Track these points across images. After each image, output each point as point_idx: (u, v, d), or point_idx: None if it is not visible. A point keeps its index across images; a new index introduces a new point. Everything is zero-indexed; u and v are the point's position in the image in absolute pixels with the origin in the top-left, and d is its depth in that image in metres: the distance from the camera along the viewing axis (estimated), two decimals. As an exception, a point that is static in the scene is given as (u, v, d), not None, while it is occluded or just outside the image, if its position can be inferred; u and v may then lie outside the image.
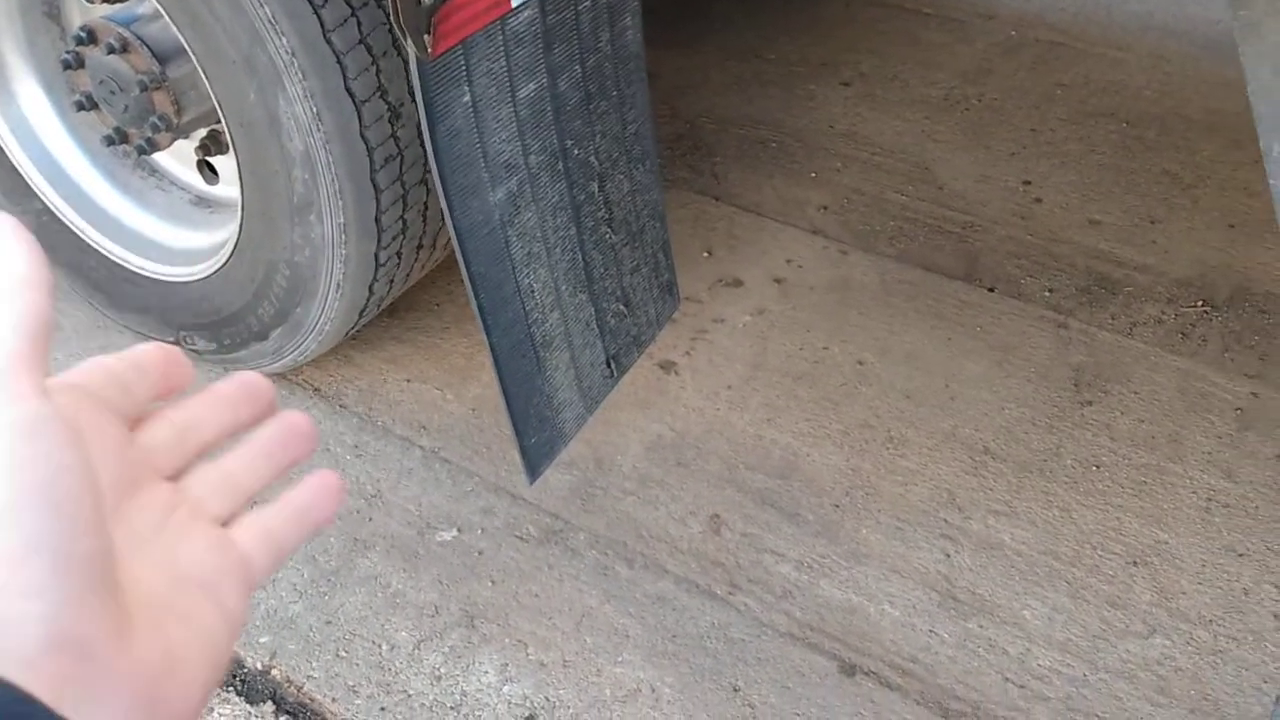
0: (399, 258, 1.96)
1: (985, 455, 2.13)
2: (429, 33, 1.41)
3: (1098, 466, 2.10)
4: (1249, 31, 1.07)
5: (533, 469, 1.82)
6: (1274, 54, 1.06)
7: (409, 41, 1.39)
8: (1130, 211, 2.70)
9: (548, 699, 1.75)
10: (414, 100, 1.45)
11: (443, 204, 1.52)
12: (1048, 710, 1.72)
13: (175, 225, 2.27)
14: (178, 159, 2.27)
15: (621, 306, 2.03)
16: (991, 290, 2.49)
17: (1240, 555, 1.95)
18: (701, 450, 2.14)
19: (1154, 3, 3.49)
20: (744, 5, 3.47)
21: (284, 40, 1.67)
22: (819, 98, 3.10)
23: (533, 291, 1.76)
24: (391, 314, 2.36)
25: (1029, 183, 2.78)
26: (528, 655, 1.81)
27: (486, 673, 1.78)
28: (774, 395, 2.25)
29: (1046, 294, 2.47)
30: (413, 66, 1.42)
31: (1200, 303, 2.44)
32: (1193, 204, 2.71)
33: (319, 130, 1.72)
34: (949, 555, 1.95)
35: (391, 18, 1.38)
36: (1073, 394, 2.25)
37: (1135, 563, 1.94)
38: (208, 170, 2.22)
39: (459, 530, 1.98)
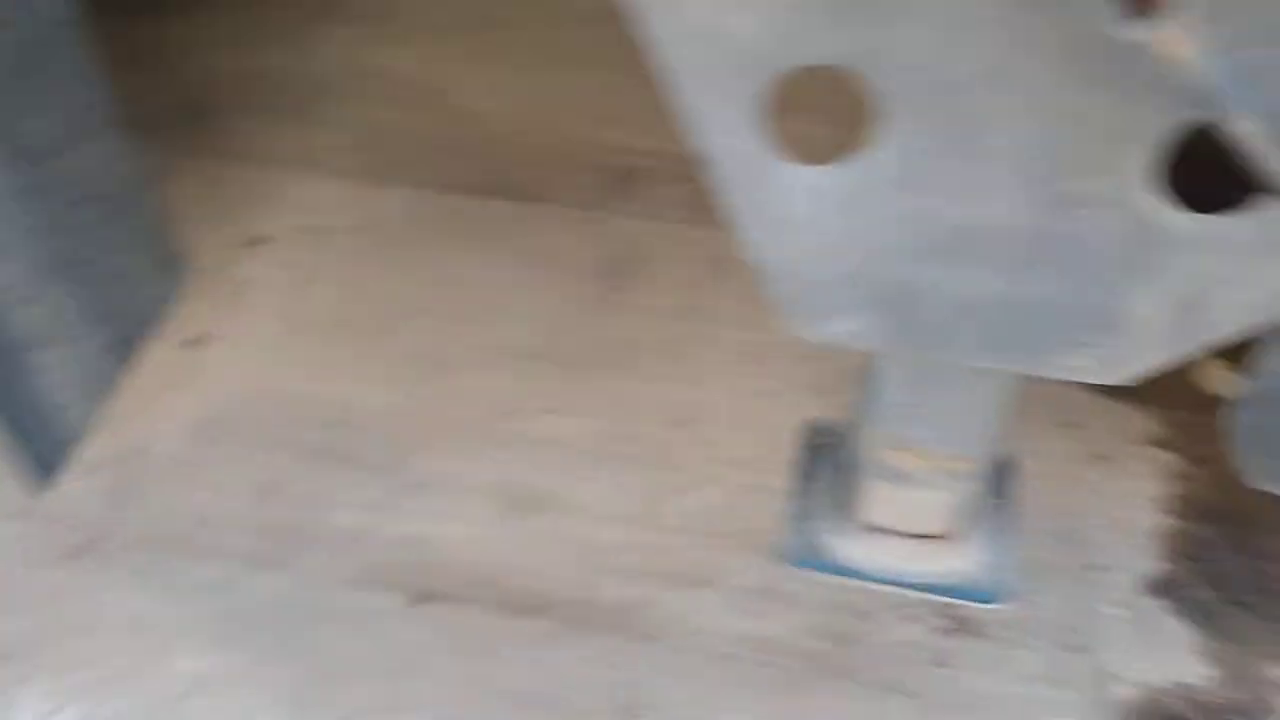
0: None
1: (534, 359, 2.16)
2: None
3: (636, 345, 2.19)
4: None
5: (44, 477, 1.66)
6: None
7: None
8: (641, 104, 2.79)
9: (113, 713, 1.62)
10: None
11: None
12: (613, 580, 1.79)
13: None
14: None
15: (116, 287, 1.88)
16: (519, 200, 2.52)
17: (771, 396, 2.09)
18: (247, 419, 2.03)
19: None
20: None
21: None
22: (322, 39, 2.99)
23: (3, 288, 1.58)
24: None
25: (542, 91, 2.83)
26: (77, 678, 1.65)
27: (29, 711, 1.61)
28: (317, 348, 2.17)
29: (572, 193, 2.53)
30: None
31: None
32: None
33: None
34: (507, 462, 1.97)
35: None
36: (607, 283, 2.32)
37: (680, 425, 2.04)
38: None
39: (-25, 567, 1.78)
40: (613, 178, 2.59)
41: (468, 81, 2.85)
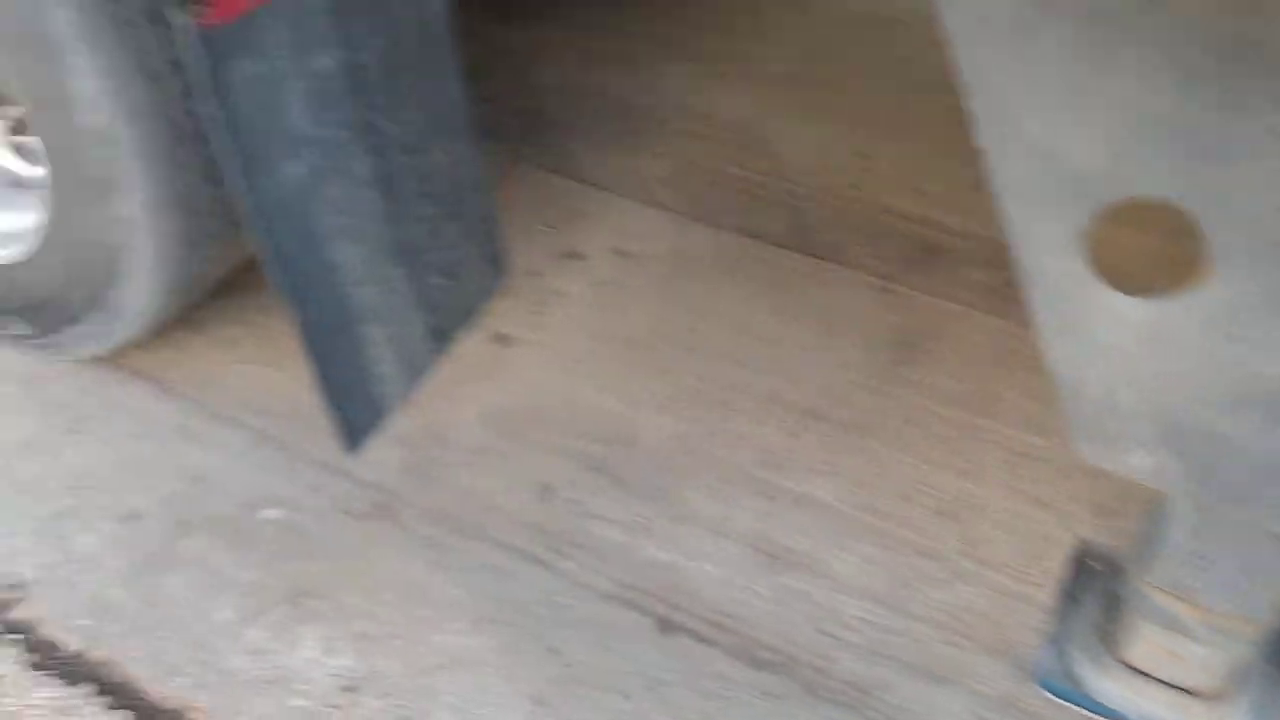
0: (213, 238, 1.95)
1: (807, 416, 2.19)
2: (206, 2, 1.40)
3: (914, 424, 2.18)
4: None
5: (351, 441, 1.82)
6: (967, 20, 1.11)
7: (179, 11, 1.38)
8: (955, 181, 2.79)
9: (371, 670, 1.77)
10: (191, 69, 1.44)
11: (231, 176, 1.52)
12: (853, 655, 1.79)
13: (-8, 208, 2.22)
14: (-10, 141, 2.21)
15: (444, 279, 2.04)
16: (822, 259, 2.56)
17: (1043, 505, 2.04)
18: (536, 421, 2.17)
19: (990, -22, 3.60)
20: (593, -17, 3.50)
21: (64, 12, 1.64)
22: (664, 74, 3.15)
23: (342, 266, 1.76)
24: (223, 295, 2.33)
25: (863, 154, 2.86)
26: (351, 629, 1.82)
27: (309, 647, 1.79)
28: (610, 365, 2.29)
29: (873, 260, 2.55)
30: (187, 38, 1.41)
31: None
32: (1017, 171, 2.81)
33: (112, 106, 1.70)
34: (767, 514, 2.01)
35: (166, -12, 1.38)
36: (894, 355, 2.33)
37: (945, 515, 2.02)
38: (22, 153, 2.17)
39: (286, 509, 1.98)
40: (915, 250, 2.58)
41: (791, 134, 2.92)
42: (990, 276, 2.51)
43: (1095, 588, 1.77)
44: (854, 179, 2.78)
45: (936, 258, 2.56)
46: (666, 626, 1.83)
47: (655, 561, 1.93)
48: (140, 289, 1.92)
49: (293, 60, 1.58)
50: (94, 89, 1.68)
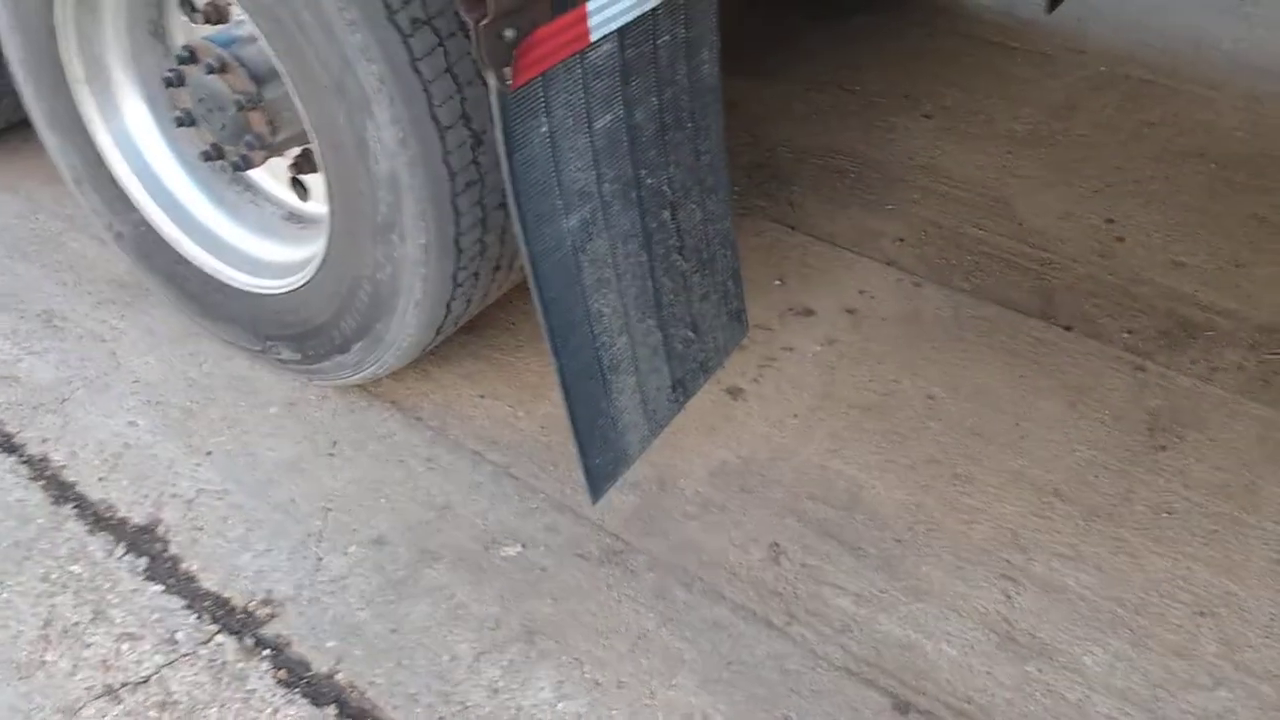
0: (476, 278, 2.02)
1: (1053, 497, 2.10)
2: (510, 65, 1.46)
3: (1169, 513, 2.06)
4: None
5: (596, 489, 1.85)
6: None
7: (491, 74, 1.44)
8: (1215, 254, 2.65)
9: (601, 718, 1.78)
10: (493, 127, 1.50)
11: (517, 230, 1.57)
12: (1104, 759, 1.70)
13: (266, 239, 2.36)
14: (271, 175, 2.36)
15: (689, 332, 2.06)
16: (1068, 329, 2.46)
17: (1314, 611, 1.90)
18: (765, 478, 2.16)
19: (1250, 41, 3.43)
20: (829, 37, 3.49)
21: (374, 67, 1.73)
22: (899, 129, 3.10)
23: (602, 316, 1.80)
24: (469, 331, 2.42)
25: (1112, 221, 2.75)
26: (583, 674, 1.84)
27: (543, 689, 1.81)
28: (841, 426, 2.25)
29: (1125, 335, 2.44)
30: (493, 98, 1.47)
31: (1285, 350, 2.39)
32: (1281, 248, 2.66)
33: (404, 154, 1.78)
34: (1010, 596, 1.94)
35: (474, 50, 1.43)
36: (1147, 438, 2.21)
37: (1203, 613, 1.90)
38: (299, 187, 2.31)
39: (523, 546, 2.03)
40: (1172, 327, 2.46)
41: (1034, 196, 2.84)
42: (1254, 361, 2.36)
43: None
44: (1103, 247, 2.67)
45: (1194, 337, 2.43)
46: (903, 707, 1.77)
47: (891, 637, 1.88)
48: (407, 324, 2.00)
49: (577, 119, 1.63)
50: (391, 138, 1.77)
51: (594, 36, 1.58)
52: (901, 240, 2.72)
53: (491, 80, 1.46)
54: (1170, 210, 2.78)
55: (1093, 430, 2.23)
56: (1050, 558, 1.99)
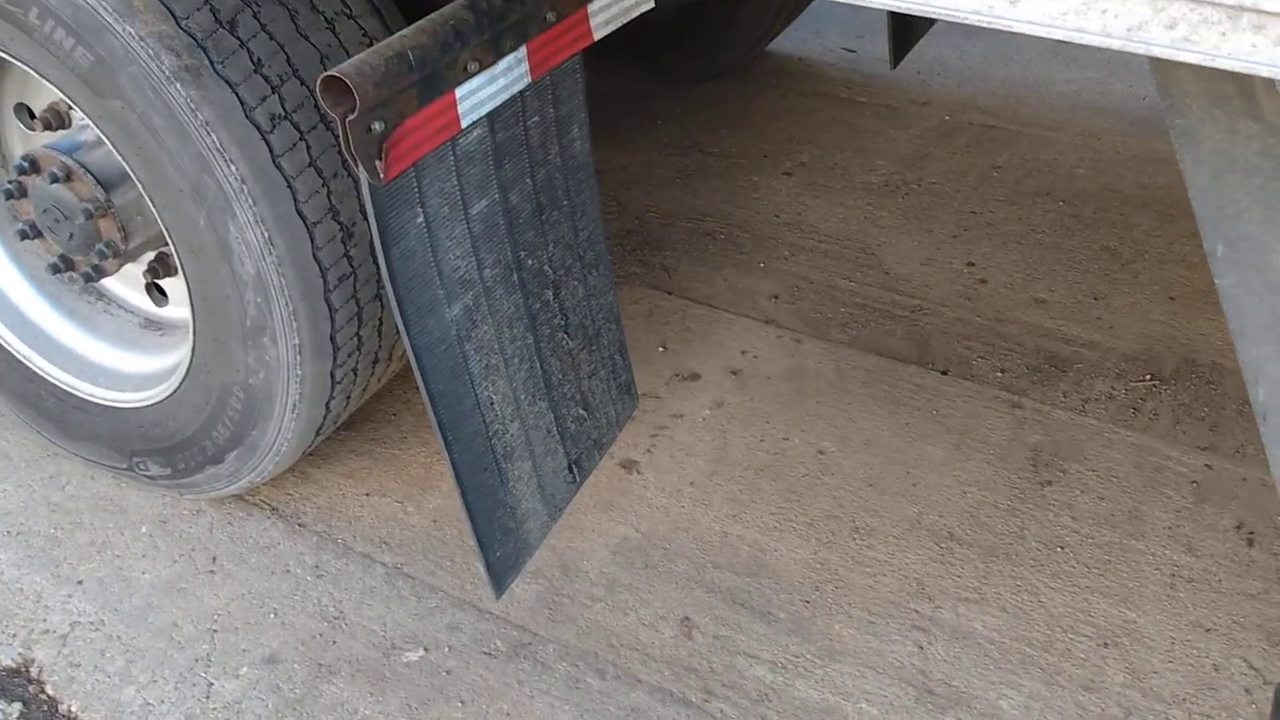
0: (355, 374, 1.95)
1: (951, 541, 2.13)
2: (380, 158, 1.42)
3: (1062, 547, 2.11)
4: (1186, 138, 1.10)
5: (499, 583, 1.79)
6: (1211, 160, 1.09)
7: (361, 169, 1.39)
8: (1073, 289, 2.75)
9: (525, 822, 1.71)
10: (366, 222, 1.45)
11: (399, 323, 1.52)
12: (1033, 804, 1.71)
13: (125, 350, 2.23)
14: (125, 283, 2.24)
15: (581, 411, 2.02)
16: (945, 373, 2.51)
17: (1208, 630, 1.95)
18: (668, 550, 2.13)
19: (1081, 82, 3.61)
20: (684, 101, 3.54)
21: (233, 167, 1.66)
22: (763, 188, 3.16)
23: (492, 404, 1.75)
24: (349, 426, 2.33)
25: (973, 264, 2.84)
26: (502, 777, 1.76)
27: (461, 799, 1.73)
28: (737, 490, 2.24)
29: (998, 374, 2.50)
30: (365, 192, 1.42)
31: (1148, 376, 2.48)
32: (1133, 278, 2.78)
33: (271, 254, 1.71)
34: (922, 647, 1.94)
35: (342, 146, 1.38)
36: (1032, 474, 2.26)
37: (1106, 644, 1.94)
38: (157, 293, 2.20)
39: (425, 649, 1.94)
40: (1041, 362, 2.54)
41: (897, 245, 2.91)
42: (1122, 389, 2.45)
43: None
44: (968, 289, 2.75)
45: (1064, 371, 2.51)
46: (832, 773, 1.75)
47: (810, 702, 1.86)
48: (284, 428, 1.91)
49: (453, 207, 1.59)
50: (255, 238, 1.69)
51: (464, 123, 1.55)
52: (777, 298, 2.75)
53: (362, 175, 1.41)
54: (1026, 249, 2.89)
55: (980, 471, 2.27)
56: (956, 603, 2.01)
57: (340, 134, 1.37)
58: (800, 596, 2.03)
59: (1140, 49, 0.97)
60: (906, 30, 3.07)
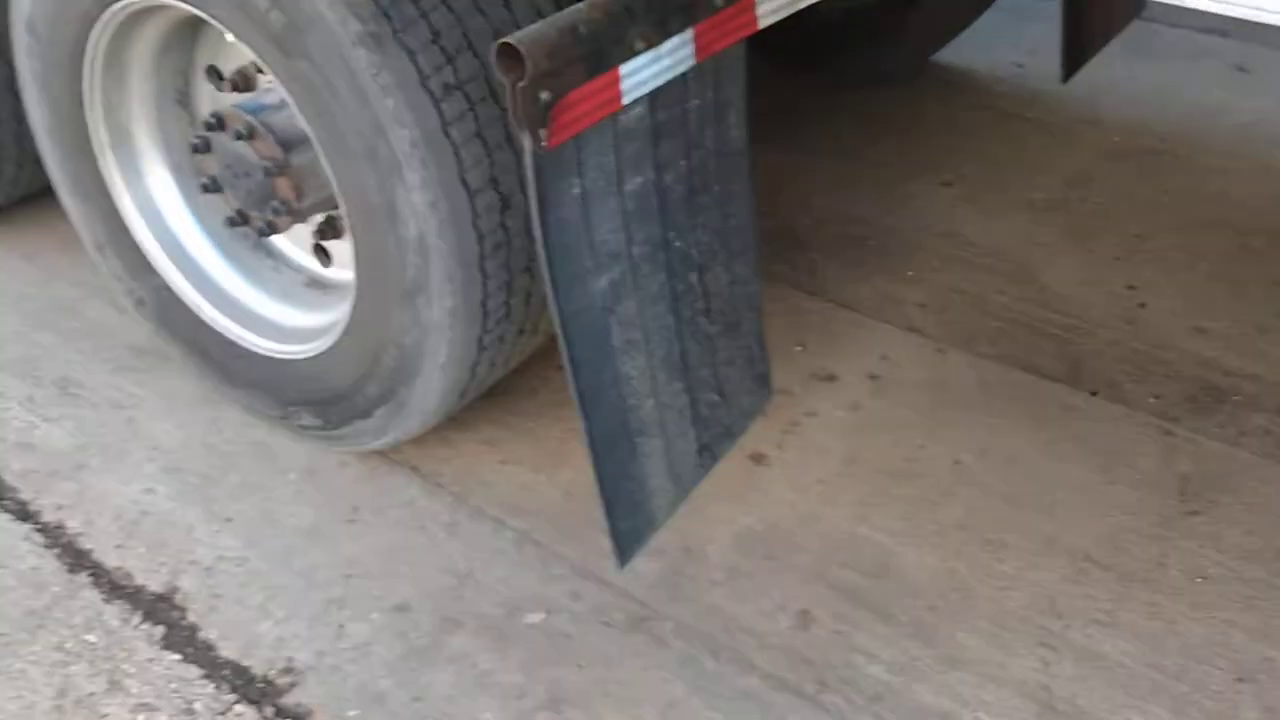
0: (501, 341, 2.01)
1: (1087, 563, 2.07)
2: (545, 126, 1.47)
3: (1204, 578, 2.03)
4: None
5: (623, 554, 1.82)
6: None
7: (526, 135, 1.45)
8: (1238, 320, 2.64)
9: (631, 791, 1.73)
10: (525, 191, 1.51)
11: (548, 290, 1.56)
12: (1152, 834, 1.65)
13: (289, 305, 2.36)
14: (294, 242, 2.37)
15: (716, 396, 2.04)
16: (1095, 394, 2.44)
17: (1359, 679, 1.85)
18: (792, 544, 2.12)
19: (1260, 112, 3.45)
20: (846, 106, 3.52)
21: (405, 132, 1.74)
22: (919, 198, 3.12)
23: (630, 378, 1.78)
24: (489, 397, 2.40)
25: (1134, 288, 2.75)
26: (612, 745, 1.79)
27: (570, 761, 1.77)
28: (867, 492, 2.23)
29: (1152, 400, 2.42)
30: (527, 159, 1.47)
31: (1313, 414, 2.37)
32: (1304, 313, 2.65)
33: (434, 218, 1.79)
34: (1048, 664, 1.89)
35: (511, 112, 1.44)
36: (1179, 503, 2.18)
37: (1242, 679, 1.86)
38: (322, 254, 2.31)
39: (547, 613, 1.99)
40: (1197, 392, 2.44)
41: (1056, 263, 2.84)
42: (1279, 425, 2.34)
43: None
44: (1126, 313, 2.66)
45: (1221, 402, 2.41)
46: (942, 779, 1.73)
47: (927, 706, 1.83)
48: (431, 388, 1.99)
49: (609, 180, 1.63)
50: (421, 202, 1.77)
51: (626, 100, 1.59)
52: (923, 306, 2.71)
53: (527, 141, 1.46)
54: (1191, 277, 2.78)
55: (1124, 495, 2.20)
56: (1087, 624, 1.95)
57: (510, 100, 1.43)
58: (925, 602, 2.00)
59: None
60: (1080, 45, 3.00)
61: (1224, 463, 2.27)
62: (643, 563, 2.06)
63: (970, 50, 3.76)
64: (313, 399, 2.21)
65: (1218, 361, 2.52)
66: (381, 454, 2.30)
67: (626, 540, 1.84)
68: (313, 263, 2.35)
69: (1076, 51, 3.00)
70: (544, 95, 1.45)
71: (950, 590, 2.02)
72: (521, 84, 1.41)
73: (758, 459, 2.31)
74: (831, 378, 2.52)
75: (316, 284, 2.35)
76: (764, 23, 1.80)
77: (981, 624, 1.96)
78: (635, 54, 1.58)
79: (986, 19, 3.60)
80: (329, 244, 2.28)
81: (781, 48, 3.53)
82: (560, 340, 1.63)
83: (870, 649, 1.92)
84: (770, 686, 1.87)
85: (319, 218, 2.23)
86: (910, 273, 2.83)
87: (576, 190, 1.59)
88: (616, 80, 1.57)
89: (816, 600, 2.01)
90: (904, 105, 3.53)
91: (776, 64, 3.57)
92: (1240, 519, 2.14)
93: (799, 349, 2.60)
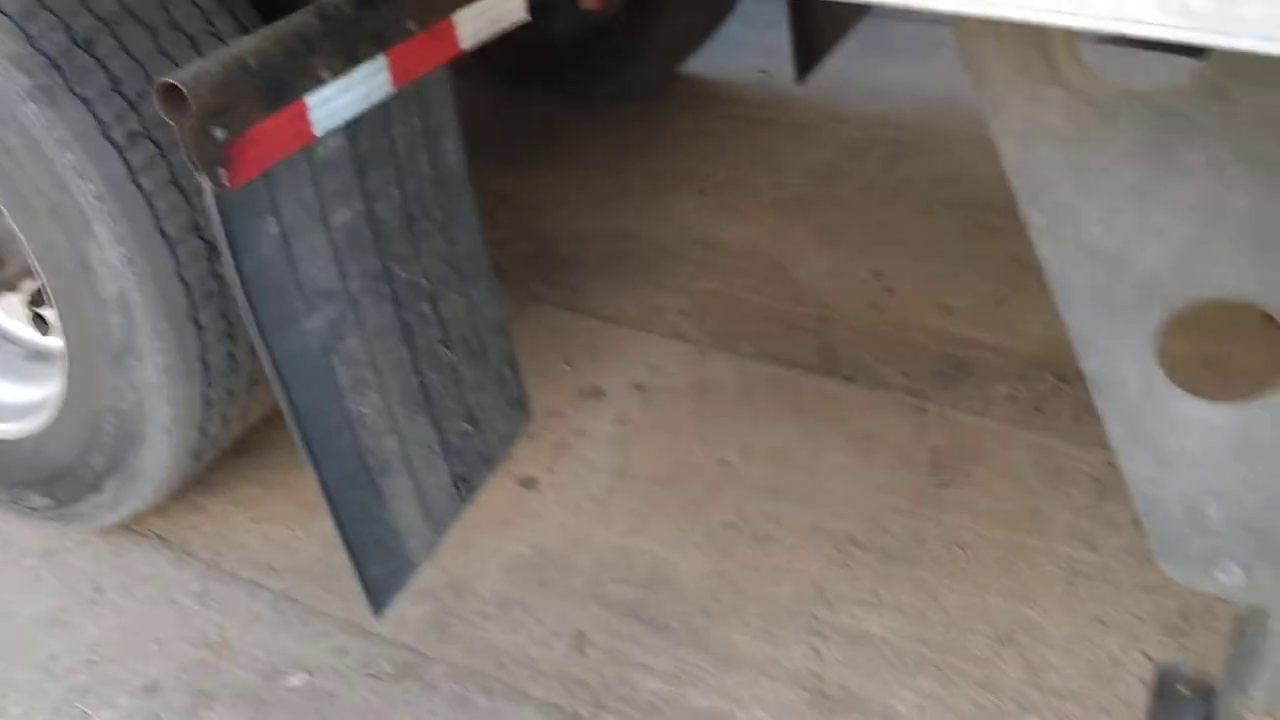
0: (231, 396, 1.91)
1: (851, 546, 2.11)
2: (224, 165, 1.40)
3: (962, 548, 2.10)
4: (994, 109, 1.11)
5: (378, 601, 1.75)
6: (1019, 129, 1.09)
7: (203, 175, 1.37)
8: (979, 295, 2.76)
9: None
10: (215, 231, 1.43)
11: (254, 335, 1.48)
12: (922, 804, 1.68)
13: (10, 381, 2.19)
14: (8, 313, 2.20)
15: (467, 425, 1.99)
16: (850, 380, 2.51)
17: (1106, 625, 1.94)
18: (564, 567, 2.09)
19: (990, 97, 3.64)
20: (596, 124, 3.55)
21: (90, 185, 1.64)
22: (675, 208, 3.16)
23: (364, 417, 1.72)
24: (239, 454, 2.29)
25: (881, 275, 2.84)
26: (385, 801, 1.72)
27: (341, 825, 1.68)
28: (638, 504, 2.22)
29: (902, 380, 2.50)
30: (208, 200, 1.40)
31: (1051, 377, 2.49)
32: (1037, 282, 2.76)
33: (131, 273, 1.68)
34: (818, 652, 1.92)
35: (184, 152, 1.37)
36: (933, 477, 2.25)
37: (1004, 642, 1.92)
38: (40, 322, 2.16)
39: (309, 673, 1.90)
40: (945, 367, 2.54)
41: (805, 258, 2.91)
42: (1024, 391, 2.45)
43: (1186, 716, 1.65)
44: (875, 299, 2.75)
45: (967, 374, 2.51)
46: (720, 782, 1.72)
47: (703, 711, 1.82)
48: (160, 453, 1.88)
49: (311, 216, 1.57)
50: (115, 257, 1.67)
51: (319, 132, 1.53)
52: (685, 313, 2.74)
53: (204, 182, 1.39)
54: (934, 259, 2.90)
55: (882, 475, 2.26)
56: (854, 607, 1.99)
57: (180, 140, 1.35)
58: (697, 607, 2.00)
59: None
60: (811, 46, 3.09)
61: (973, 433, 2.36)
62: (409, 606, 2.00)
63: (717, 60, 3.84)
64: (39, 477, 2.06)
65: (962, 336, 2.62)
66: (126, 528, 2.16)
67: (381, 587, 1.77)
68: (32, 333, 2.19)
69: (808, 53, 3.09)
70: (218, 133, 1.38)
71: (722, 591, 2.03)
72: (189, 123, 1.34)
73: (527, 483, 2.28)
74: (599, 393, 2.51)
75: (38, 356, 2.19)
76: (468, 44, 1.77)
77: (754, 621, 1.97)
78: (321, 84, 1.52)
79: (730, 29, 3.68)
80: (45, 311, 2.13)
81: (527, 71, 3.55)
82: (275, 387, 1.55)
83: (645, 662, 1.91)
84: (546, 715, 1.83)
85: (30, 284, 2.08)
86: (670, 281, 2.85)
87: (274, 229, 1.52)
88: (304, 112, 1.51)
89: (591, 621, 1.99)
90: (654, 119, 3.58)
91: (524, 87, 3.57)
92: (991, 486, 2.23)
93: (566, 368, 2.59)
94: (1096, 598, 1.99)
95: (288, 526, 2.17)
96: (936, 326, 2.66)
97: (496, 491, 2.24)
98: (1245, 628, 1.37)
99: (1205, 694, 1.55)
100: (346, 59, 1.55)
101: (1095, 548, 2.08)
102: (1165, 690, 1.68)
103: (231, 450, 2.18)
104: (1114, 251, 1.10)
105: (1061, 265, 1.13)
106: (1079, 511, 2.16)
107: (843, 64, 3.55)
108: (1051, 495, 2.19)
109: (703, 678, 1.88)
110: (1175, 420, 1.18)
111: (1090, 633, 1.93)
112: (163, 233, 1.70)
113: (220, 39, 1.84)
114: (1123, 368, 1.18)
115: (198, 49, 1.79)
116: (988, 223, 3.03)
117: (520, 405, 2.18)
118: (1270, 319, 1.09)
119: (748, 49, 3.89)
